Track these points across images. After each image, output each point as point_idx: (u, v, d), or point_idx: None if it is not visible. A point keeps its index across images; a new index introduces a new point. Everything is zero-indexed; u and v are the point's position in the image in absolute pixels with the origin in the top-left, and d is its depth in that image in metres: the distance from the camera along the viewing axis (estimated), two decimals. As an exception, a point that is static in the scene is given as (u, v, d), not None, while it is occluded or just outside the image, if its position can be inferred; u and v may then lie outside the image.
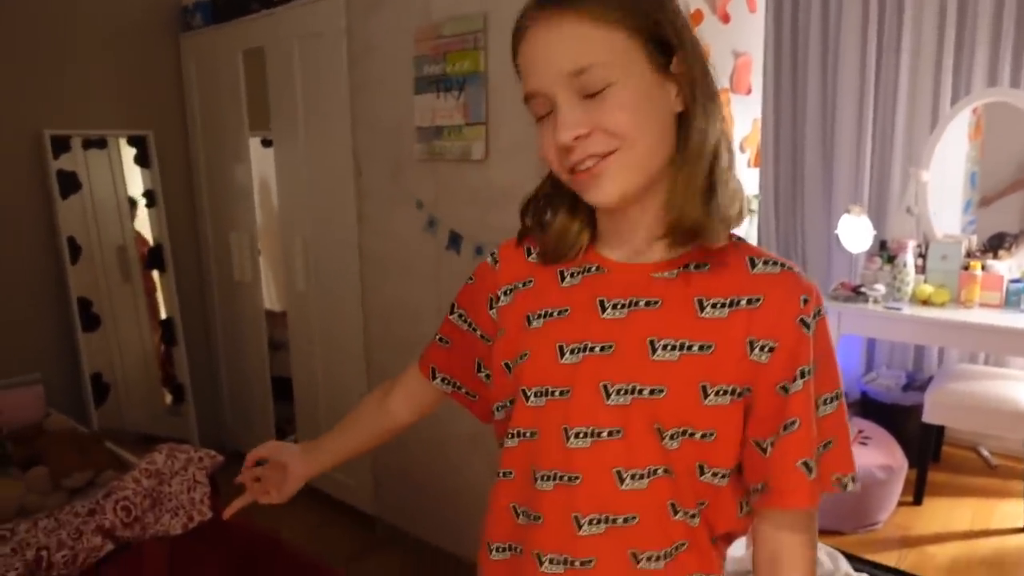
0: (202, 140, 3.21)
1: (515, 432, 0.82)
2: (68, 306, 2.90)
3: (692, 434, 0.73)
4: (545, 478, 0.78)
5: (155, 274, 3.25)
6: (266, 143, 3.26)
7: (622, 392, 0.74)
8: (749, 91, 1.95)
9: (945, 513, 2.80)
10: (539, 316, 0.82)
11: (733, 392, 0.73)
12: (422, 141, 2.22)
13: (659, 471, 0.74)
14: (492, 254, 0.91)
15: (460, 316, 0.95)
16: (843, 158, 3.59)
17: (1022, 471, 2.73)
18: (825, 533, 2.60)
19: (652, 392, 0.73)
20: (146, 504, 1.99)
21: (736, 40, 1.88)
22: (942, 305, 2.90)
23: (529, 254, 0.87)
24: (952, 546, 2.58)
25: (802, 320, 0.73)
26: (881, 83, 3.46)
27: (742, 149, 1.98)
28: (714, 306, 0.74)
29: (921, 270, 3.08)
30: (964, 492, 2.97)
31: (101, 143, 3.04)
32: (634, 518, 0.76)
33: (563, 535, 0.77)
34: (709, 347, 0.73)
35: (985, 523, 2.73)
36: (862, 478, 2.63)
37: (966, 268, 2.96)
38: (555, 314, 0.81)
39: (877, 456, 2.72)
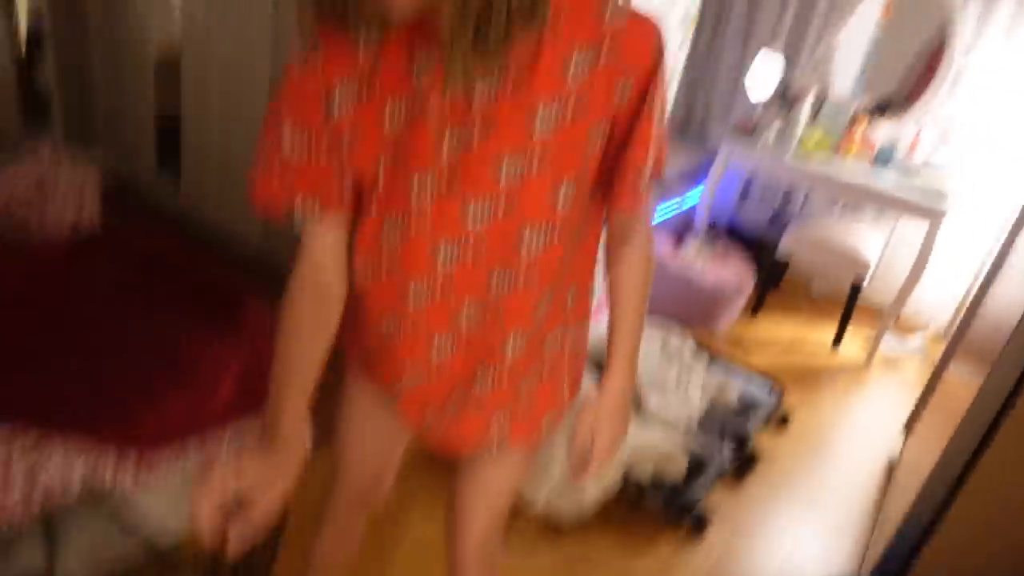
0: None
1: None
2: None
3: None
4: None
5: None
6: None
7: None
8: None
9: (772, 328, 3.30)
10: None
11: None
12: None
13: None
14: None
15: None
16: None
17: (832, 310, 3.21)
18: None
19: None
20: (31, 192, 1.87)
21: None
22: (822, 155, 3.16)
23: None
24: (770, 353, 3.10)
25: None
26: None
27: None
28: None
29: (813, 120, 3.30)
30: (790, 314, 3.48)
31: None
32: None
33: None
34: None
35: (800, 342, 3.25)
36: (717, 290, 2.97)
37: (851, 126, 3.21)
38: None
39: (731, 274, 3.05)
